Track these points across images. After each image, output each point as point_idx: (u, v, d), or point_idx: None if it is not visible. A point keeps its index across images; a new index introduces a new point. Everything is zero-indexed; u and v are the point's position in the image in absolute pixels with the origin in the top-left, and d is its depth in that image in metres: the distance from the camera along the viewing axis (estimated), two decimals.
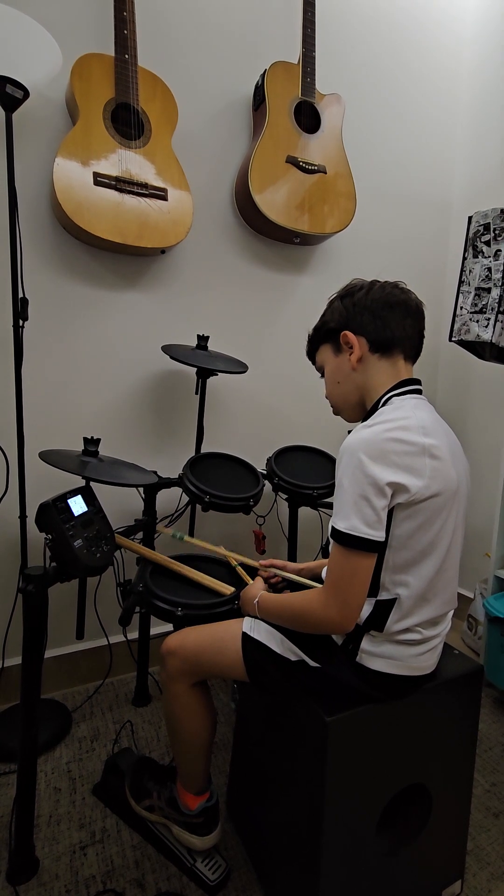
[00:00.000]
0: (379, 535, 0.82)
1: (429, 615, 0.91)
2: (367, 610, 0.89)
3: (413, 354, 0.99)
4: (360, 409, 1.01)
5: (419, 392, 0.97)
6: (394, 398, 0.94)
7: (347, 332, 0.97)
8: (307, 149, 1.74)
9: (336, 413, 1.07)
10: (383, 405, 0.94)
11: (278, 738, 1.06)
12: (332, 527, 0.85)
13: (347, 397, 1.02)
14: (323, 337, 1.03)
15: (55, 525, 1.07)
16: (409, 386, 0.95)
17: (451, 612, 0.98)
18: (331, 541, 0.86)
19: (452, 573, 0.94)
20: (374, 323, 0.95)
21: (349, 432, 0.90)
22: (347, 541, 0.82)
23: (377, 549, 0.84)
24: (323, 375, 1.07)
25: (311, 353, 1.08)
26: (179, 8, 1.63)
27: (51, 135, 1.47)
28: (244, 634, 1.01)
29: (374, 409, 0.96)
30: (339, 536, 0.83)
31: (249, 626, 1.02)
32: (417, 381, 0.97)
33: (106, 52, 1.45)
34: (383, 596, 0.89)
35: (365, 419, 0.95)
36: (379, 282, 0.99)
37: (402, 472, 0.82)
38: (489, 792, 1.37)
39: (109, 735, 1.50)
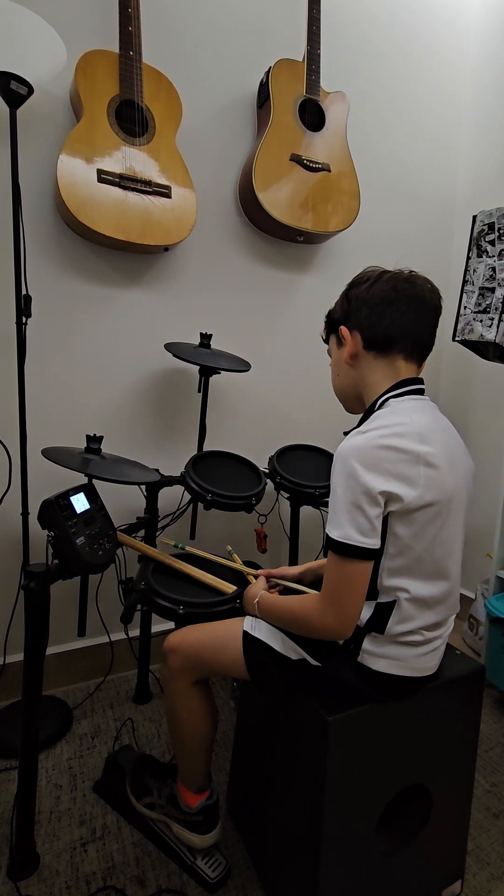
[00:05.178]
0: (373, 543, 0.82)
1: (430, 620, 0.90)
2: (367, 612, 0.89)
3: (417, 354, 0.94)
4: (360, 403, 0.99)
5: (420, 392, 0.93)
6: (390, 400, 0.91)
7: (343, 328, 0.96)
8: (311, 147, 1.73)
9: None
10: (379, 408, 0.92)
11: (279, 737, 1.06)
12: (327, 535, 0.84)
13: (346, 391, 1.01)
14: (329, 326, 1.02)
15: (57, 522, 1.07)
16: (408, 386, 0.92)
17: (454, 615, 0.97)
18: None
19: (454, 579, 0.93)
20: (370, 319, 0.92)
21: (345, 434, 0.89)
22: (342, 549, 0.82)
23: (372, 556, 0.83)
24: None
25: (326, 339, 1.06)
26: (184, 5, 1.63)
27: (55, 131, 1.47)
28: (245, 633, 1.00)
29: (371, 410, 0.93)
30: (334, 545, 0.82)
31: (251, 624, 1.02)
32: (418, 381, 0.94)
33: (110, 48, 1.44)
34: (383, 599, 0.88)
35: (361, 422, 0.93)
36: (389, 272, 0.93)
37: (395, 481, 0.81)
38: (489, 792, 1.37)
39: (110, 732, 1.50)
